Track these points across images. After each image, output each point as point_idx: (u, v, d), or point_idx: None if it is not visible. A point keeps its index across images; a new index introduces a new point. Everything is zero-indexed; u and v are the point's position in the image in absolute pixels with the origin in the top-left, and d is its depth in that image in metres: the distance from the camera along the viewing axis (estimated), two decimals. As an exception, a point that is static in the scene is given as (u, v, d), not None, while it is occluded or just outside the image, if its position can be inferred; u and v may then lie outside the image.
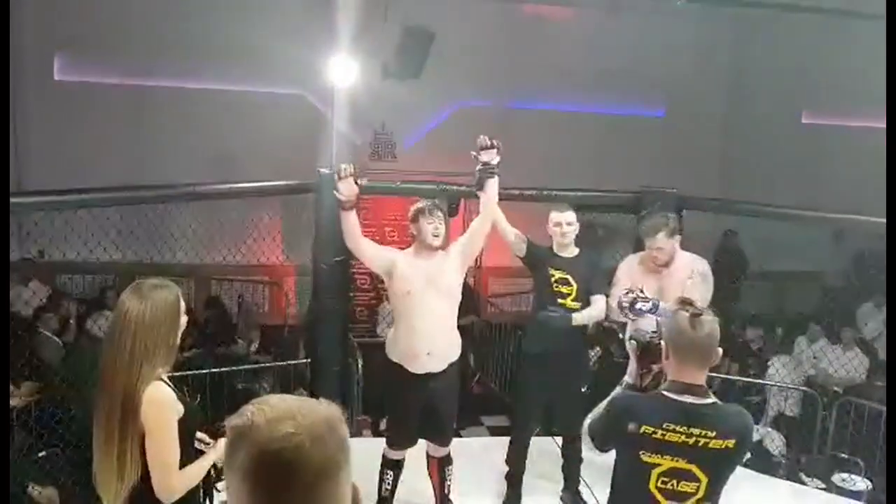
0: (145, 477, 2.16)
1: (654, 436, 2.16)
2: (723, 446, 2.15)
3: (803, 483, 5.08)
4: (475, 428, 7.03)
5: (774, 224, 5.80)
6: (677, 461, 2.16)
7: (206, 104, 8.59)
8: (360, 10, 7.21)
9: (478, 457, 4.40)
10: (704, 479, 2.18)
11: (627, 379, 3.86)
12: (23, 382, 4.66)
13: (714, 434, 2.14)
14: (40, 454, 4.29)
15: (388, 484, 3.71)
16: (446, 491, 3.80)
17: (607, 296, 3.84)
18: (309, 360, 4.86)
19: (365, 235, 3.57)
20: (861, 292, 8.19)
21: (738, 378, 6.13)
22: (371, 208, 8.18)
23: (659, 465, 2.17)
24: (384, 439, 3.83)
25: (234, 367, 5.52)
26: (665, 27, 8.21)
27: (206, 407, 4.19)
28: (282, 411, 1.05)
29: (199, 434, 2.33)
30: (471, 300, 7.03)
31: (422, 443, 3.75)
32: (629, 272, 3.91)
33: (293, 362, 5.39)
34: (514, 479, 4.06)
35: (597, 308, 3.83)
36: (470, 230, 3.64)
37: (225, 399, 4.72)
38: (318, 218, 4.49)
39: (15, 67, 7.43)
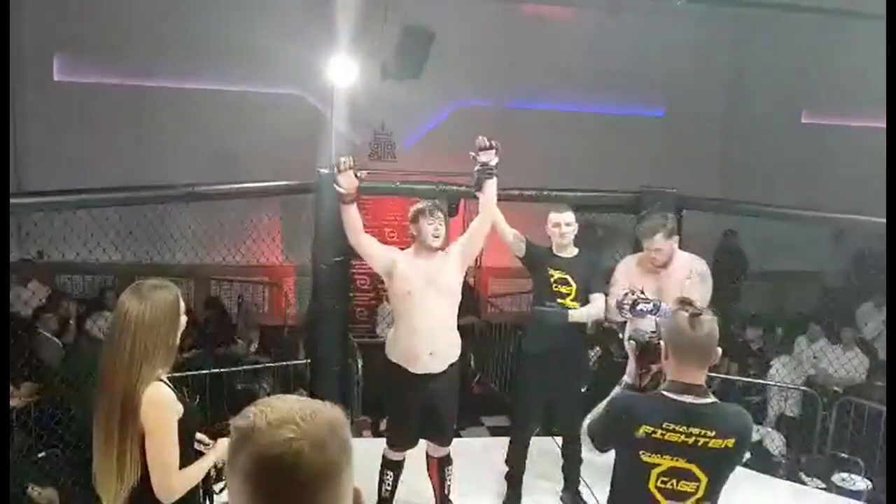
0: (145, 477, 2.16)
1: (653, 436, 2.16)
2: (722, 446, 2.14)
3: (803, 483, 5.08)
4: (475, 428, 7.02)
5: (774, 224, 5.80)
6: (677, 461, 2.16)
7: (205, 104, 8.59)
8: (360, 10, 7.21)
9: (478, 457, 4.40)
10: (704, 479, 2.18)
11: (627, 379, 3.85)
12: (22, 383, 4.65)
13: (714, 434, 2.14)
14: (40, 455, 4.29)
15: (388, 484, 3.71)
16: (446, 491, 3.80)
17: (607, 295, 3.84)
18: (309, 360, 4.86)
19: (365, 235, 3.57)
20: (861, 292, 8.18)
21: (738, 378, 6.13)
22: (371, 209, 8.17)
23: (659, 464, 2.17)
24: (384, 440, 3.83)
25: (233, 368, 5.52)
26: (665, 27, 8.21)
27: (206, 407, 4.19)
28: (283, 415, 1.05)
29: (198, 435, 2.33)
30: (470, 300, 7.03)
31: (422, 443, 3.75)
32: (627, 273, 3.91)
33: (293, 363, 5.39)
34: (514, 480, 4.06)
35: (595, 307, 3.83)
36: (469, 231, 3.64)
37: (224, 399, 4.72)
38: (317, 218, 4.50)
39: (14, 68, 7.43)
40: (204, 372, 4.81)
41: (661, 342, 2.29)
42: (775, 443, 5.87)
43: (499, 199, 3.59)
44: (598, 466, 3.86)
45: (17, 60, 7.59)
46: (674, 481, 2.18)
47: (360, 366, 5.49)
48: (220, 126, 8.41)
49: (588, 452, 3.31)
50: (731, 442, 2.15)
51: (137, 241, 4.92)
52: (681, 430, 2.14)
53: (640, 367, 3.19)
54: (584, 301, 3.84)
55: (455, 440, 3.82)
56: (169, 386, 2.23)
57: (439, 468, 3.77)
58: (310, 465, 1.02)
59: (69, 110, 8.42)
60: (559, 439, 4.24)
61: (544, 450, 4.41)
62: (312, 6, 7.78)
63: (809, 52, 8.58)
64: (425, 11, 7.96)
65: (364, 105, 8.05)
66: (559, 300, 3.82)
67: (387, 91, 8.21)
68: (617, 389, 3.64)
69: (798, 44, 8.63)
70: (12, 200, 3.30)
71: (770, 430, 5.95)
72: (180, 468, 2.20)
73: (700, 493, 2.19)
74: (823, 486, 5.08)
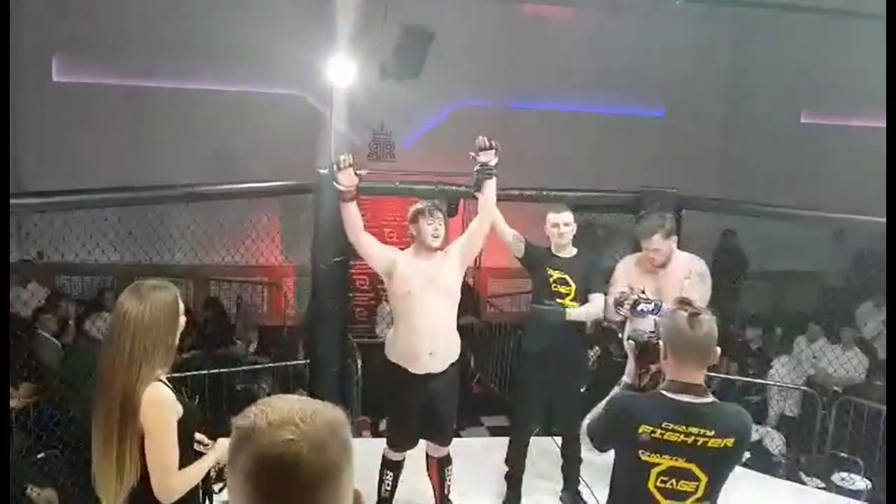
0: (144, 478, 2.15)
1: (653, 435, 2.15)
2: (721, 445, 2.14)
3: (803, 482, 5.08)
4: (475, 428, 7.03)
5: (774, 224, 5.79)
6: (676, 460, 2.16)
7: (204, 105, 8.59)
8: (359, 10, 7.20)
9: (477, 457, 4.40)
10: (704, 479, 2.18)
11: (626, 379, 3.86)
12: (21, 384, 4.64)
13: (713, 433, 2.14)
14: (39, 456, 4.28)
15: (388, 484, 3.71)
16: (446, 491, 3.80)
17: (606, 295, 3.84)
18: (308, 360, 4.86)
19: (364, 235, 3.57)
20: (860, 292, 8.19)
21: (738, 378, 6.13)
22: (370, 209, 8.18)
23: (658, 464, 2.17)
24: (384, 440, 3.83)
25: (233, 368, 5.51)
26: (665, 27, 8.21)
27: (205, 408, 4.19)
28: (284, 415, 1.05)
29: (197, 436, 2.32)
30: (470, 300, 7.03)
31: (421, 443, 3.75)
32: (626, 272, 3.91)
33: (292, 363, 5.39)
34: (513, 479, 4.06)
35: (594, 306, 3.83)
36: (469, 231, 3.64)
37: (224, 400, 4.72)
38: (316, 218, 4.49)
39: (13, 68, 7.42)
40: (203, 372, 4.80)
41: (660, 342, 2.29)
42: (775, 442, 5.87)
43: (498, 199, 3.59)
44: (597, 466, 3.86)
45: (17, 61, 7.58)
46: (673, 481, 2.18)
47: (359, 366, 5.49)
48: (219, 126, 8.40)
49: (587, 452, 3.31)
50: (730, 441, 2.15)
51: (137, 241, 4.92)
52: (680, 429, 2.14)
53: (639, 367, 3.19)
54: (584, 301, 3.84)
55: (455, 440, 3.82)
56: (168, 386, 2.23)
57: (439, 468, 3.77)
58: (309, 465, 1.02)
59: (68, 111, 8.41)
60: (559, 439, 4.25)
61: (544, 450, 4.41)
62: (311, 6, 7.78)
63: (809, 52, 8.58)
64: (425, 11, 7.96)
65: (363, 105, 8.04)
66: (558, 300, 3.82)
67: (386, 91, 8.21)
68: (616, 389, 3.65)
69: (798, 44, 8.64)
70: (12, 201, 3.30)
71: (770, 429, 5.96)
72: (179, 468, 2.20)
73: (699, 493, 2.19)
74: (823, 485, 5.08)
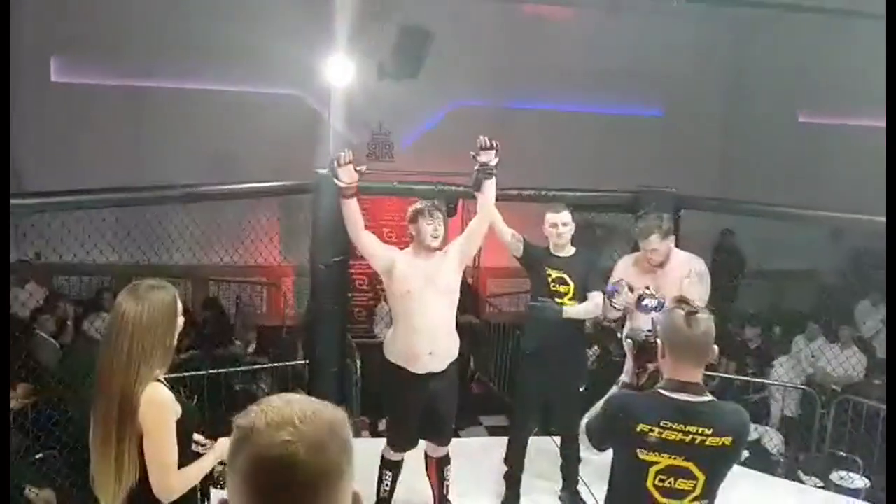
0: (143, 478, 2.15)
1: (651, 434, 2.15)
2: (720, 444, 2.15)
3: (802, 481, 5.08)
4: (474, 428, 7.03)
5: (772, 223, 5.79)
6: (675, 459, 2.16)
7: (202, 105, 8.58)
8: (358, 10, 7.20)
9: (476, 457, 4.40)
10: (702, 477, 2.18)
11: (624, 378, 3.87)
12: (19, 384, 4.63)
13: (711, 432, 2.14)
14: (37, 456, 4.27)
15: (387, 484, 3.71)
16: (445, 491, 3.80)
17: (604, 293, 3.84)
18: (307, 360, 4.85)
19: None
20: (858, 291, 8.19)
21: (737, 377, 6.13)
22: (369, 209, 8.16)
23: (656, 462, 2.17)
24: (383, 439, 3.82)
25: (231, 369, 5.51)
26: (663, 27, 8.21)
27: (204, 408, 4.18)
28: (283, 416, 1.05)
29: (195, 436, 2.32)
30: (469, 299, 7.03)
31: (420, 443, 3.74)
32: (625, 272, 3.91)
33: (291, 363, 5.38)
34: (512, 479, 4.06)
35: (591, 304, 3.83)
36: (468, 230, 3.63)
37: (223, 400, 4.71)
38: (315, 218, 4.49)
39: (12, 68, 7.41)
40: (202, 373, 4.80)
41: (658, 341, 2.29)
42: (773, 441, 5.87)
43: (497, 199, 3.59)
44: (596, 466, 3.87)
45: (16, 61, 7.58)
46: (671, 479, 2.18)
47: (358, 366, 5.48)
48: (217, 126, 8.40)
49: (586, 452, 3.32)
50: (728, 440, 2.15)
51: (135, 241, 4.91)
52: (678, 428, 2.14)
53: (637, 366, 3.19)
54: (582, 300, 3.84)
55: (453, 440, 3.82)
56: (167, 387, 2.23)
57: (438, 468, 3.77)
58: (306, 467, 1.02)
59: (67, 111, 8.41)
60: (557, 439, 4.25)
61: (543, 449, 4.41)
62: (310, 6, 7.78)
63: (807, 52, 8.59)
64: (424, 11, 7.96)
65: (362, 105, 8.04)
66: (557, 299, 3.82)
67: (384, 91, 8.21)
68: (614, 388, 3.65)
69: (796, 43, 8.64)
70: (11, 201, 3.29)
71: (768, 428, 5.96)
72: (178, 468, 2.19)
73: (697, 492, 2.19)
74: (822, 484, 5.08)
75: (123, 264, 5.26)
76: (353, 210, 3.41)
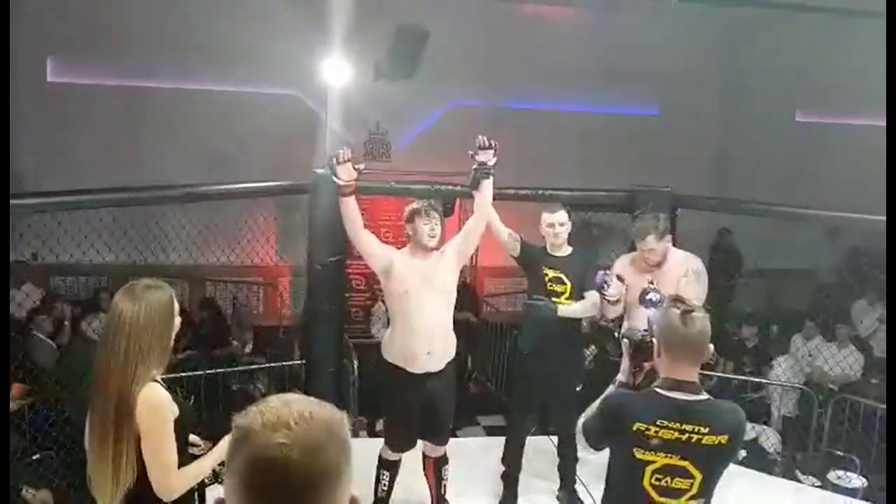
0: (140, 479, 2.14)
1: (647, 433, 2.16)
2: (716, 442, 2.15)
3: (799, 481, 5.08)
4: (471, 428, 7.03)
5: (769, 222, 5.80)
6: (671, 458, 2.16)
7: (199, 105, 8.58)
8: (355, 10, 7.20)
9: (474, 457, 4.40)
10: (698, 476, 2.18)
11: (620, 377, 3.86)
12: (16, 385, 4.62)
13: (707, 430, 2.14)
14: (34, 457, 4.27)
15: (385, 484, 3.71)
16: (442, 491, 3.79)
17: (601, 293, 3.83)
18: (304, 361, 4.84)
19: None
20: (855, 289, 8.21)
21: (734, 377, 6.13)
22: (366, 209, 8.16)
23: (653, 461, 2.17)
24: (380, 439, 3.82)
25: (228, 369, 5.50)
26: (661, 27, 8.22)
27: (201, 408, 4.18)
28: (279, 417, 1.05)
29: (191, 438, 2.32)
30: (465, 296, 7.02)
31: (418, 443, 3.74)
32: (622, 272, 3.91)
33: (288, 363, 5.37)
34: (510, 479, 4.07)
35: (588, 302, 3.83)
36: (464, 230, 3.63)
37: (220, 400, 4.71)
38: (312, 218, 4.48)
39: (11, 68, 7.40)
40: (199, 373, 4.79)
41: (654, 340, 2.29)
42: (771, 441, 5.88)
43: (494, 198, 3.60)
44: (594, 465, 3.87)
45: (14, 61, 7.57)
46: (668, 478, 2.18)
47: (355, 366, 5.48)
48: (213, 126, 8.39)
49: (584, 451, 3.32)
50: (724, 438, 2.15)
51: (132, 241, 4.90)
52: (674, 426, 2.14)
53: (633, 365, 3.19)
54: (580, 300, 3.84)
55: (451, 440, 3.82)
56: (164, 387, 2.22)
57: (436, 468, 3.76)
58: (301, 469, 1.02)
59: (63, 112, 8.39)
60: (555, 438, 4.25)
61: (540, 449, 4.41)
62: (306, 7, 7.78)
63: (804, 52, 8.61)
64: (421, 10, 7.96)
65: (359, 105, 8.04)
66: (554, 299, 3.83)
67: (381, 91, 8.21)
68: (611, 388, 3.65)
69: (793, 43, 8.67)
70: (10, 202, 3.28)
71: (766, 427, 5.96)
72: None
73: (694, 490, 2.19)
74: (819, 483, 5.08)
75: (120, 264, 5.25)
76: (351, 208, 3.41)
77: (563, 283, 3.83)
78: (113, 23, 8.31)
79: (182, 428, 2.23)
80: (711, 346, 2.22)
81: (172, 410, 2.20)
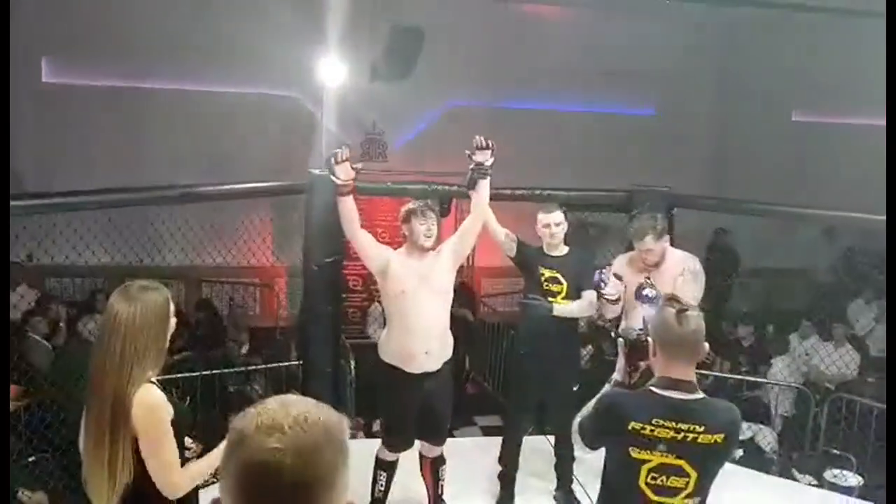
0: (136, 480, 2.14)
1: (643, 432, 2.16)
2: (711, 441, 2.15)
3: (796, 480, 5.09)
4: (468, 428, 7.03)
5: (766, 222, 5.81)
6: (667, 457, 2.16)
7: (196, 106, 8.57)
8: (352, 10, 7.19)
9: (471, 457, 4.40)
10: (694, 474, 2.18)
11: (616, 376, 3.86)
12: (12, 387, 4.61)
13: (703, 429, 2.14)
14: (30, 459, 4.26)
15: (382, 485, 3.70)
16: (440, 491, 3.79)
17: (599, 292, 3.83)
18: (301, 361, 4.84)
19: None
20: (852, 288, 8.23)
21: (731, 376, 6.14)
22: (363, 209, 8.15)
23: (649, 460, 2.17)
24: (378, 440, 3.81)
25: (225, 370, 5.49)
26: (658, 27, 8.23)
27: (197, 409, 4.17)
28: (274, 421, 1.05)
29: (187, 441, 2.31)
30: (462, 297, 7.01)
31: (415, 443, 3.74)
32: (620, 272, 3.91)
33: (285, 364, 5.37)
34: (507, 479, 4.07)
35: (584, 302, 3.84)
36: (461, 229, 3.63)
37: (216, 401, 4.70)
38: (308, 219, 4.47)
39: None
40: (195, 374, 4.78)
41: (649, 339, 2.29)
42: (767, 440, 5.88)
43: (490, 198, 3.59)
44: (590, 465, 3.86)
45: (13, 61, 7.55)
46: (664, 477, 2.18)
47: (353, 367, 5.47)
48: (210, 127, 8.38)
49: (580, 451, 3.32)
50: (720, 437, 2.15)
51: (127, 242, 4.89)
52: (670, 425, 2.14)
53: (629, 365, 3.19)
54: (576, 299, 3.84)
55: (448, 440, 3.81)
56: (159, 388, 2.22)
57: (433, 468, 3.76)
58: (293, 473, 1.02)
59: (61, 113, 8.37)
60: (552, 438, 4.24)
61: (537, 449, 4.41)
62: (303, 7, 7.77)
63: (803, 51, 8.62)
64: (418, 10, 7.96)
65: (355, 105, 8.03)
66: (550, 299, 3.82)
67: (378, 91, 8.21)
68: (606, 387, 3.65)
69: (793, 43, 8.68)
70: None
71: (762, 427, 5.97)
72: None
73: (690, 489, 2.19)
74: (816, 482, 5.09)
75: (116, 265, 5.23)
76: (349, 208, 3.40)
77: (559, 282, 3.83)
78: (108, 24, 8.29)
79: (178, 429, 2.22)
80: (707, 345, 2.22)
81: (168, 411, 2.19)
